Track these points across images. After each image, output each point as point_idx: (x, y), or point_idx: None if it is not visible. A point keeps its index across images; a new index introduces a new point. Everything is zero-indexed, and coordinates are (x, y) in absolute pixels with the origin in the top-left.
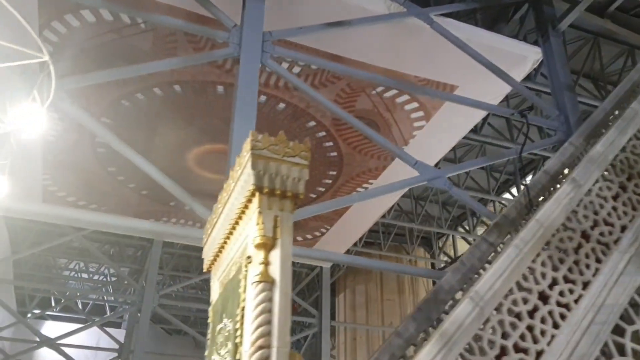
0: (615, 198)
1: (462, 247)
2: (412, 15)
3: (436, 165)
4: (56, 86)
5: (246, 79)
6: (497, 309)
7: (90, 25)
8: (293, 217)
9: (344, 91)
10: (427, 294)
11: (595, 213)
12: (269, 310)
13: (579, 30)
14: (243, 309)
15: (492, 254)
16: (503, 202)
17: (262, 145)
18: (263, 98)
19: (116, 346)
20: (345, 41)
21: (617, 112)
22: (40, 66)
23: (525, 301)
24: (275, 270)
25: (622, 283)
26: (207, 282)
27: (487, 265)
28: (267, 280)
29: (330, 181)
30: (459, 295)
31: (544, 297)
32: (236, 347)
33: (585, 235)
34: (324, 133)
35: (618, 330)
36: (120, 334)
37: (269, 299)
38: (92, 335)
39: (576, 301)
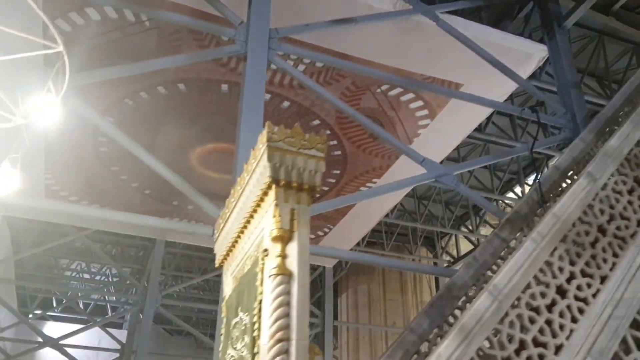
0: (630, 192)
1: (465, 247)
2: (418, 12)
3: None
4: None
5: (253, 77)
6: (515, 303)
7: (95, 24)
8: (310, 210)
9: (348, 89)
10: (440, 290)
11: (611, 207)
12: (287, 303)
13: (584, 29)
14: (260, 302)
15: (505, 249)
16: (507, 201)
17: (278, 138)
18: (267, 96)
19: (118, 346)
20: (350, 39)
21: (626, 109)
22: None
23: (543, 295)
24: (292, 263)
25: (639, 277)
26: (209, 282)
27: (499, 261)
28: (284, 273)
29: (333, 180)
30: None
31: (561, 291)
32: (254, 340)
33: (601, 230)
34: (328, 132)
35: (636, 325)
36: (121, 334)
37: (287, 292)
38: (93, 336)
39: (594, 295)
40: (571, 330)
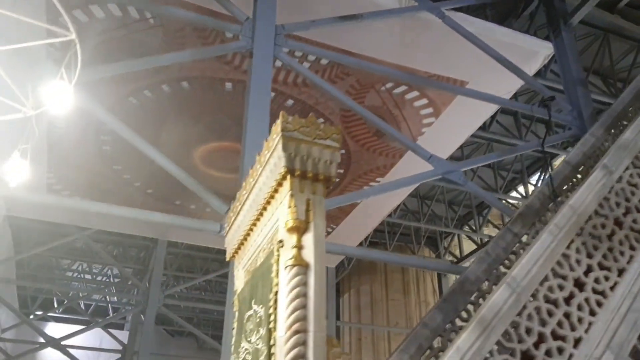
0: None
1: (468, 247)
2: (423, 9)
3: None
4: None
5: (259, 73)
6: (533, 296)
7: (99, 21)
8: (325, 201)
9: (353, 87)
10: (453, 284)
11: (627, 200)
12: (304, 295)
13: (589, 27)
14: (276, 293)
15: (517, 244)
16: (510, 200)
17: (293, 127)
18: (271, 94)
19: (119, 347)
20: (355, 36)
21: (637, 104)
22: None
23: (561, 288)
24: (309, 254)
25: None
26: (210, 283)
27: (512, 256)
28: (301, 264)
29: (337, 179)
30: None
31: (579, 284)
32: (270, 332)
33: (617, 222)
34: None
35: None
36: (122, 335)
37: (304, 283)
38: (94, 337)
39: (612, 288)
40: (590, 324)
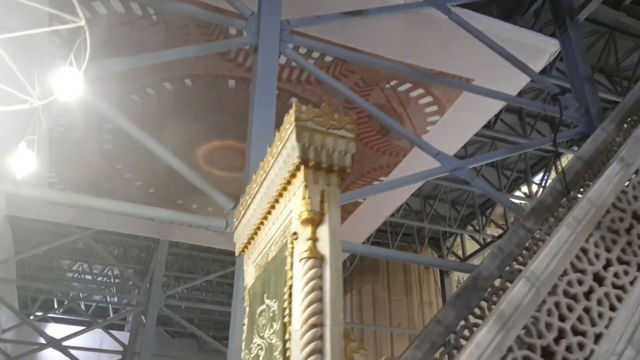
0: None
1: (471, 247)
2: (429, 5)
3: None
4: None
5: (265, 69)
6: (552, 290)
7: (102, 18)
8: (340, 192)
9: (357, 85)
10: (465, 281)
11: None
12: (319, 288)
13: (594, 24)
14: (291, 287)
15: (530, 239)
16: (514, 200)
17: (307, 117)
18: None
19: (120, 348)
20: (359, 33)
21: None
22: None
23: (580, 282)
24: (324, 246)
25: None
26: (211, 283)
27: (525, 252)
28: (316, 257)
29: None
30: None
31: (598, 279)
32: (284, 327)
33: (635, 216)
34: None
35: None
36: (123, 336)
37: (319, 276)
38: (95, 338)
39: (631, 283)
40: (610, 319)
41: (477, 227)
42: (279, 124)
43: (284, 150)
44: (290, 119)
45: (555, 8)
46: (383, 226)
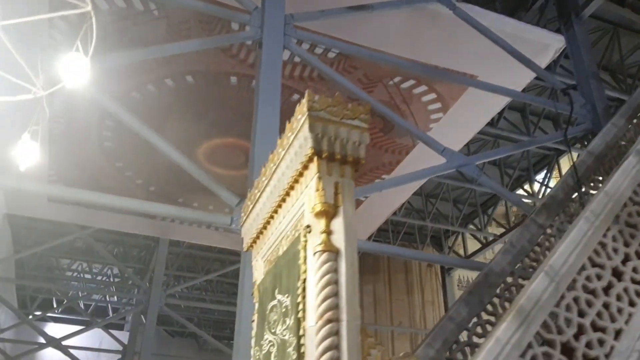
0: None
1: (472, 246)
2: (434, 0)
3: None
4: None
5: (269, 63)
6: (571, 285)
7: (102, 13)
8: (354, 184)
9: (360, 82)
10: (477, 277)
11: None
12: (335, 282)
13: (598, 20)
14: (304, 281)
15: (542, 235)
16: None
17: (320, 107)
18: None
19: (119, 348)
20: (363, 29)
21: None
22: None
23: (599, 277)
24: (339, 240)
25: None
26: (211, 283)
27: (537, 248)
28: (331, 250)
29: None
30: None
31: (617, 274)
32: (298, 322)
33: None
34: None
35: None
36: (123, 335)
37: (334, 270)
38: (94, 337)
39: None
40: (630, 314)
41: (479, 226)
42: (282, 120)
43: (296, 142)
44: (302, 108)
45: (560, 4)
46: (384, 225)
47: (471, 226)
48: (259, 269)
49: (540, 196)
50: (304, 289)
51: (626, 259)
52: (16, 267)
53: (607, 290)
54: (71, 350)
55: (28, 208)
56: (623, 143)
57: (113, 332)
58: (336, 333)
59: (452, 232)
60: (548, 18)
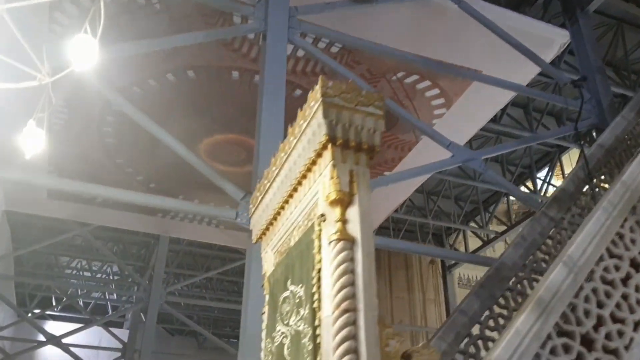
0: None
1: (473, 243)
2: None
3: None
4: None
5: (273, 56)
6: (590, 276)
7: (104, 6)
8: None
9: (363, 77)
10: (489, 270)
11: None
12: (351, 271)
13: (602, 16)
14: (319, 271)
15: (553, 228)
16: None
17: (334, 93)
18: None
19: (119, 345)
20: (367, 23)
21: None
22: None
23: (617, 268)
24: (354, 228)
25: None
26: (211, 280)
27: (548, 241)
28: (346, 239)
29: None
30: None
31: (635, 264)
32: (314, 312)
33: None
34: None
35: None
36: (122, 333)
37: (351, 259)
38: (94, 335)
39: None
40: None
41: (481, 224)
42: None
43: (309, 129)
44: (315, 95)
45: None
46: (385, 222)
47: (472, 224)
48: (268, 261)
49: (542, 193)
50: (319, 279)
51: None
52: (15, 264)
53: (625, 281)
54: (70, 349)
55: (27, 204)
56: (629, 136)
57: (112, 330)
58: (353, 323)
59: (453, 230)
60: (552, 13)
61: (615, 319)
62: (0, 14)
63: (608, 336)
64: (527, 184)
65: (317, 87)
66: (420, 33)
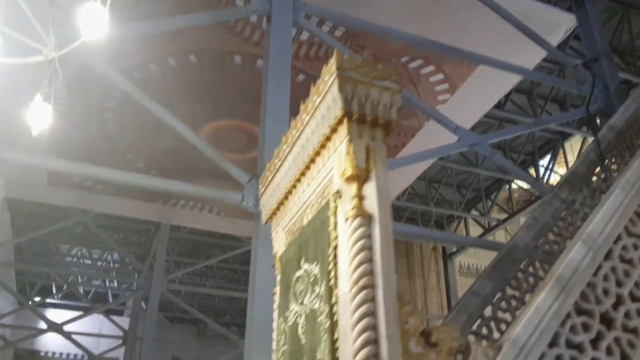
0: None
1: (475, 231)
2: None
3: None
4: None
5: (278, 37)
6: (608, 255)
7: None
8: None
9: None
10: (500, 252)
11: None
12: (369, 247)
13: (609, 0)
14: (335, 247)
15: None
16: (520, 182)
17: (349, 67)
18: None
19: (120, 333)
20: (373, 5)
21: None
22: None
23: (635, 247)
24: (371, 205)
25: None
26: (212, 268)
27: (560, 223)
28: (363, 215)
29: None
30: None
31: None
32: (330, 290)
33: None
34: None
35: None
36: (122, 321)
37: (368, 235)
38: (94, 323)
39: None
40: None
41: (482, 211)
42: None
43: (323, 104)
44: (330, 69)
45: None
46: None
47: (474, 211)
48: (279, 241)
49: (544, 181)
50: (335, 256)
51: None
52: (15, 253)
53: None
54: (71, 336)
55: (27, 191)
56: None
57: (113, 317)
58: (372, 299)
59: (454, 218)
60: None
61: (634, 298)
62: None
63: (627, 315)
64: (530, 171)
65: (332, 61)
66: (426, 16)
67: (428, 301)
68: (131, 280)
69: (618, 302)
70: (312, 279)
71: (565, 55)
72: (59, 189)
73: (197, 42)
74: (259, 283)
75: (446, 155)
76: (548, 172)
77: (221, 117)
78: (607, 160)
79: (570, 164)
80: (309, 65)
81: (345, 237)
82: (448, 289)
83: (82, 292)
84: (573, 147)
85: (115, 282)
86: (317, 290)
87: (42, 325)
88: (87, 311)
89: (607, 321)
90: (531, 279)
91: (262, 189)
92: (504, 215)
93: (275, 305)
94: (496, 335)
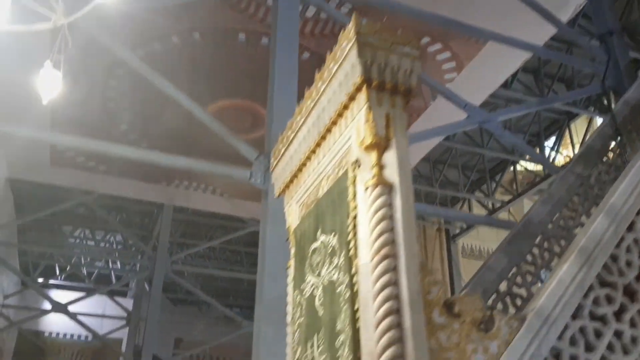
0: None
1: (479, 212)
2: None
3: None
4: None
5: (286, 13)
6: (630, 227)
7: None
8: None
9: None
10: (515, 227)
11: None
12: (390, 217)
13: None
14: (355, 217)
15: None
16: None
17: (368, 32)
18: None
19: (123, 314)
20: None
21: None
22: None
23: None
24: (392, 174)
25: None
26: (214, 250)
27: (575, 198)
28: (384, 184)
29: None
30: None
31: None
32: (350, 260)
33: None
34: None
35: None
36: (126, 302)
37: (389, 204)
38: (97, 304)
39: None
40: None
41: (487, 192)
42: None
43: (340, 71)
44: (348, 34)
45: None
46: None
47: (478, 193)
48: (293, 214)
49: (550, 161)
50: (354, 226)
51: None
52: (18, 234)
53: None
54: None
55: (30, 172)
56: None
57: (116, 299)
58: (394, 269)
59: (457, 199)
60: None
61: None
62: None
63: None
64: (536, 151)
65: (350, 26)
66: None
67: None
68: (134, 261)
69: None
70: (329, 250)
71: (575, 32)
72: (62, 169)
73: (201, 19)
74: (268, 259)
75: (455, 132)
76: (554, 153)
77: (225, 96)
78: (623, 135)
79: (576, 146)
80: (315, 43)
81: (365, 206)
82: (451, 271)
83: (85, 273)
84: (578, 129)
85: (119, 264)
86: (336, 261)
87: (46, 306)
88: (90, 292)
89: (630, 293)
90: (546, 255)
91: (275, 162)
92: (507, 197)
93: (290, 278)
94: (512, 310)
